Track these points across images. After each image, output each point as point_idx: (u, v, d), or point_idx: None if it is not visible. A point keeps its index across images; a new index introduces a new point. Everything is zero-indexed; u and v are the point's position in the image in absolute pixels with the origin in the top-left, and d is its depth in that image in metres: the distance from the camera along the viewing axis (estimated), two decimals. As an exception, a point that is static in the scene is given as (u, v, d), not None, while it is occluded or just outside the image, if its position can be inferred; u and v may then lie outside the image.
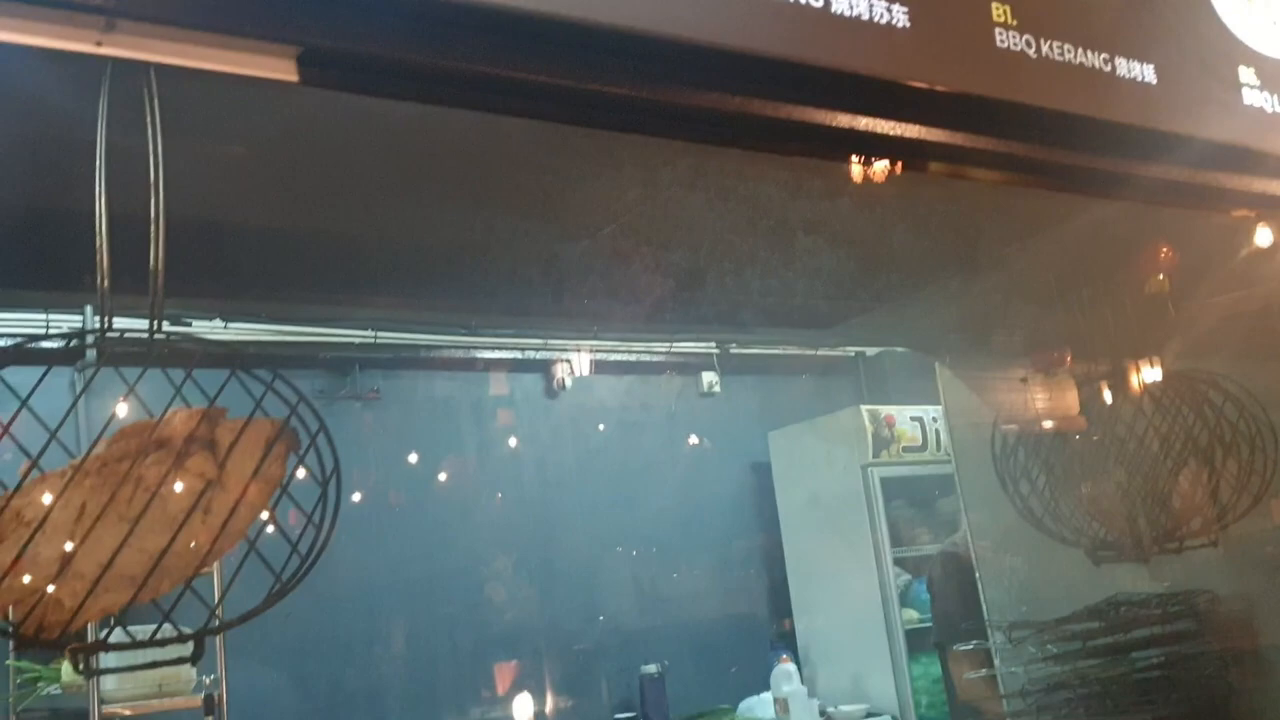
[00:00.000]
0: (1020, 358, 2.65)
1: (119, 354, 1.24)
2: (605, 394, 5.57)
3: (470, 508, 5.09)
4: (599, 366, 5.48)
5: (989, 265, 2.57)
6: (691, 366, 5.79)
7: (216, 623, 1.21)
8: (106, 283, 1.17)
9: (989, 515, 2.95)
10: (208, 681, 3.29)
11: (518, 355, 5.31)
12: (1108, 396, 2.44)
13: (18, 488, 1.12)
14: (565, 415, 5.47)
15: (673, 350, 5.68)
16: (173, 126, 1.24)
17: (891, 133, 1.66)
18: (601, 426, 5.52)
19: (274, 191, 1.93)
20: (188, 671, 3.36)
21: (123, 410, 1.24)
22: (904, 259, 2.35)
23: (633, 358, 5.61)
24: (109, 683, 3.19)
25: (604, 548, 5.42)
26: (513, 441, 5.33)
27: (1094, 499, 2.13)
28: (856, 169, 1.74)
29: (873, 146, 1.70)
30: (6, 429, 1.09)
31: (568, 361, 5.41)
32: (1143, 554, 2.16)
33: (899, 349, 6.22)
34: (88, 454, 1.16)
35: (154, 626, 1.18)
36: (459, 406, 5.22)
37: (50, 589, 1.12)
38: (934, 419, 5.46)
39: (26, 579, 1.09)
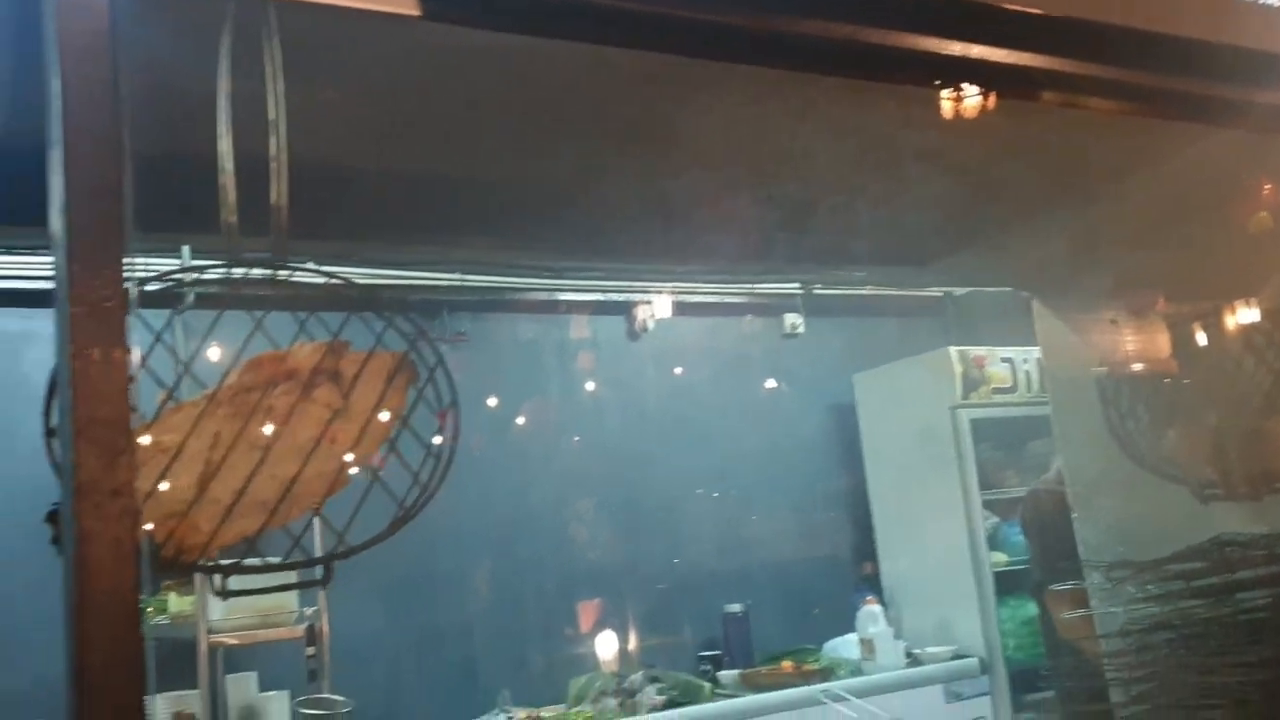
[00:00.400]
0: (1119, 297, 2.59)
1: (218, 295, 1.27)
2: (687, 336, 5.57)
3: (554, 449, 5.15)
4: (681, 309, 5.48)
5: (1093, 200, 2.51)
6: (774, 308, 5.76)
7: (343, 548, 1.24)
8: (234, 218, 1.20)
9: (1086, 455, 2.91)
10: (309, 613, 3.40)
11: (600, 298, 5.32)
12: (1213, 335, 2.39)
13: (155, 417, 1.16)
14: (647, 357, 5.49)
15: (755, 292, 5.66)
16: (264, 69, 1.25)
17: (1002, 60, 1.62)
18: (683, 369, 5.53)
19: (368, 133, 1.95)
20: (290, 603, 3.47)
21: (215, 354, 1.27)
22: (1007, 193, 2.30)
23: (715, 300, 5.60)
24: (215, 613, 3.32)
25: (686, 489, 5.46)
26: (595, 384, 5.37)
27: (1201, 437, 2.08)
28: (959, 100, 1.71)
29: (981, 75, 1.67)
30: (144, 361, 1.13)
31: (649, 303, 5.41)
32: (1254, 493, 2.12)
33: (988, 289, 6.11)
34: (220, 385, 1.20)
35: (285, 551, 1.22)
36: (543, 349, 5.26)
37: (188, 515, 1.16)
38: (1025, 360, 5.38)
39: (166, 505, 1.13)
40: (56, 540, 1.15)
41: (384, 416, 1.24)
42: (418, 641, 4.64)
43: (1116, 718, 2.42)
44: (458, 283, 4.91)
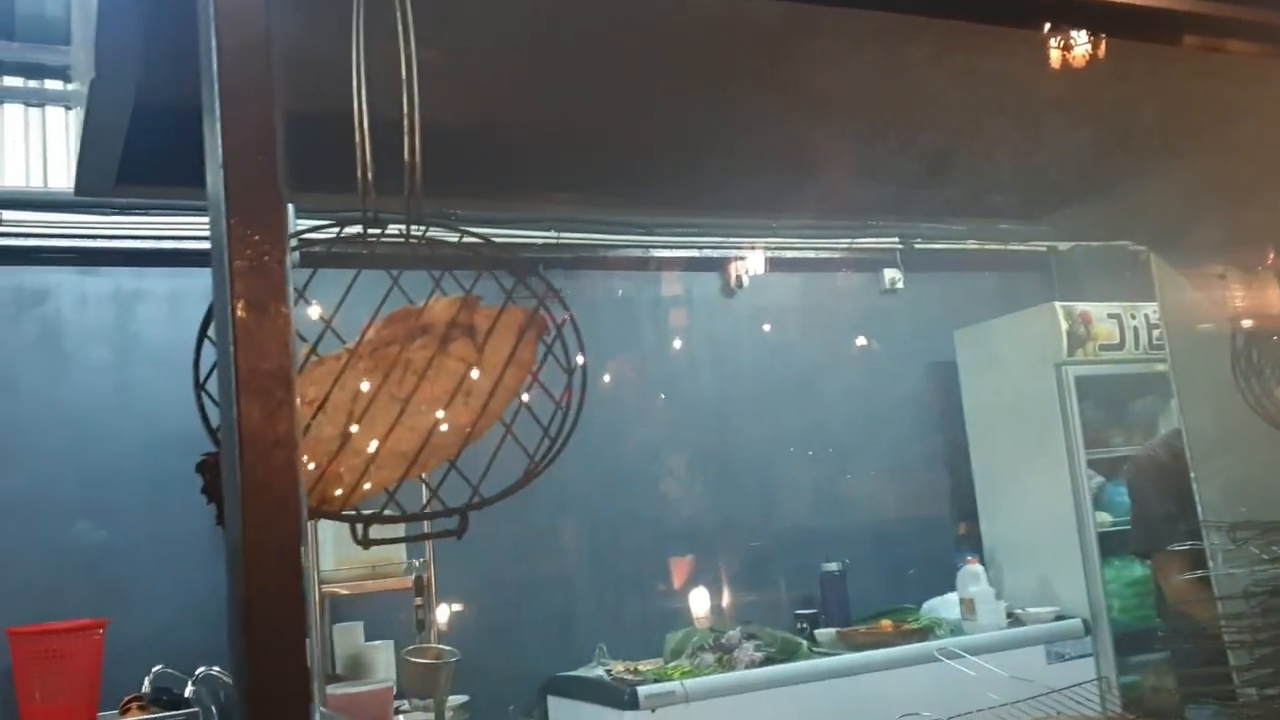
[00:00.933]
0: (1229, 250, 2.50)
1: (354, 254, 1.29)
2: (783, 292, 5.54)
3: (648, 406, 5.17)
4: (776, 264, 5.45)
5: (1217, 150, 2.41)
6: (872, 263, 5.69)
7: (478, 499, 1.26)
8: (370, 174, 1.21)
9: (1208, 413, 2.82)
10: (417, 564, 3.47)
11: (694, 254, 5.31)
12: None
13: (299, 371, 1.18)
14: (742, 313, 5.47)
15: (853, 246, 5.59)
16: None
17: (1139, 3, 1.56)
18: (779, 325, 5.49)
19: (476, 90, 1.95)
20: (399, 554, 3.55)
21: (354, 310, 1.29)
22: (1129, 142, 2.23)
23: (811, 254, 5.54)
24: (327, 563, 3.41)
25: (782, 447, 5.44)
26: (690, 340, 5.37)
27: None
28: (1077, 46, 1.65)
29: (1114, 19, 1.61)
30: (327, 319, 1.15)
31: (744, 259, 5.38)
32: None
33: (1094, 243, 5.96)
34: (361, 339, 1.22)
35: (424, 502, 1.24)
36: (637, 306, 5.27)
37: (331, 465, 1.19)
38: (1132, 316, 5.23)
39: (311, 456, 1.15)
40: (207, 489, 1.18)
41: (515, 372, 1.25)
42: (517, 595, 4.72)
43: (1236, 682, 2.36)
44: (552, 240, 4.93)
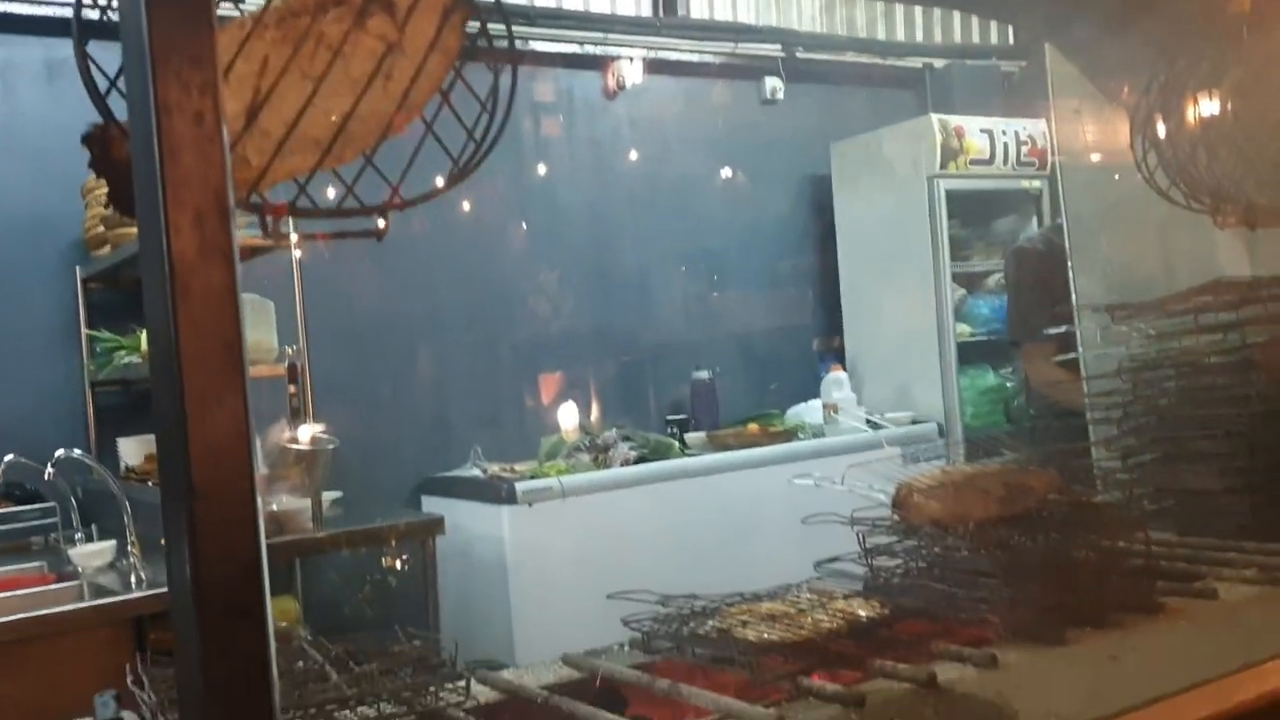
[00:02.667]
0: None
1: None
2: (664, 98, 5.41)
3: (526, 209, 5.04)
4: (658, 67, 5.30)
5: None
6: (754, 71, 5.59)
7: (398, 199, 1.17)
8: None
9: (1090, 201, 2.89)
10: (290, 351, 3.35)
11: (575, 49, 5.10)
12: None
13: (197, 37, 1.05)
14: (622, 118, 5.33)
15: (736, 52, 5.47)
16: None
17: None
18: (658, 132, 5.39)
19: None
20: (269, 341, 3.41)
21: None
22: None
23: (694, 58, 5.41)
24: (196, 349, 3.25)
25: (657, 258, 5.42)
26: (569, 144, 5.22)
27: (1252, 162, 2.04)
28: None
29: None
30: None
31: (626, 60, 5.21)
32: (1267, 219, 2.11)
33: (966, 61, 5.99)
34: (267, 5, 1.09)
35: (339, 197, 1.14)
36: (516, 102, 5.06)
37: (236, 146, 1.07)
38: (1004, 132, 5.31)
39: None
40: (95, 164, 1.06)
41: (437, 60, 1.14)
42: (393, 394, 4.64)
43: (1106, 453, 2.47)
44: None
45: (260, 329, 3.36)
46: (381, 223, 1.14)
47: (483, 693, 1.63)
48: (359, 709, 1.37)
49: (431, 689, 1.36)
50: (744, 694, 1.49)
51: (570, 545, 4.10)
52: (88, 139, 1.04)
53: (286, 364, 3.31)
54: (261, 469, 3.35)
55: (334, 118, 1.11)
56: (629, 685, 1.60)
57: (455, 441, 4.77)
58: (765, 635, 1.53)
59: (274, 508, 3.44)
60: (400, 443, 4.67)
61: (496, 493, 4.13)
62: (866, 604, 1.63)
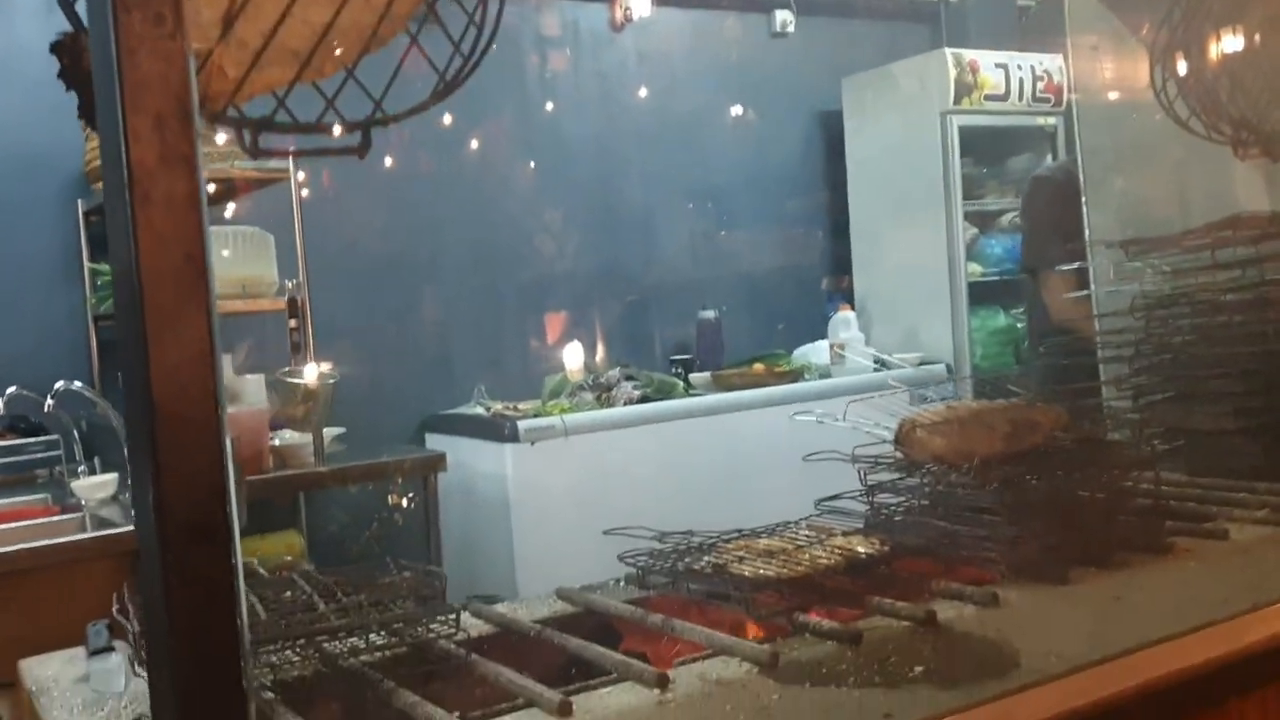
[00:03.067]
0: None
1: None
2: (672, 30, 5.30)
3: (527, 147, 4.97)
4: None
5: None
6: (764, 3, 5.47)
7: (381, 114, 1.12)
8: None
9: (1105, 136, 2.82)
10: (290, 285, 3.31)
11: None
12: None
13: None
14: (629, 51, 5.23)
15: (747, -18, 5.36)
16: None
17: None
18: (666, 66, 5.29)
19: None
20: (269, 274, 3.37)
21: None
22: None
23: (703, -10, 5.30)
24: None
25: (665, 195, 5.35)
26: (575, 79, 5.13)
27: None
28: None
29: None
30: None
31: (632, -8, 5.09)
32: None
33: (984, -6, 5.86)
34: (241, -94, 1.03)
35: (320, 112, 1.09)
36: (522, 36, 4.97)
37: (212, 56, 1.03)
38: (1019, 67, 5.20)
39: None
40: (65, 74, 1.01)
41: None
42: (397, 332, 4.61)
43: (1116, 392, 2.43)
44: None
45: (260, 262, 3.32)
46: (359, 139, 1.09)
47: (476, 626, 1.61)
48: (348, 640, 1.35)
49: (422, 621, 1.34)
50: (739, 630, 1.47)
51: (572, 483, 4.08)
52: (56, 47, 0.99)
53: (287, 298, 3.27)
54: (261, 402, 3.33)
55: (314, 28, 1.06)
56: (622, 620, 1.58)
57: (459, 379, 4.75)
58: (761, 571, 1.50)
59: (276, 442, 3.42)
60: (404, 380, 4.64)
61: (499, 431, 4.11)
62: (866, 541, 1.60)
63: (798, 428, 2.57)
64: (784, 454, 2.75)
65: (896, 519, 1.74)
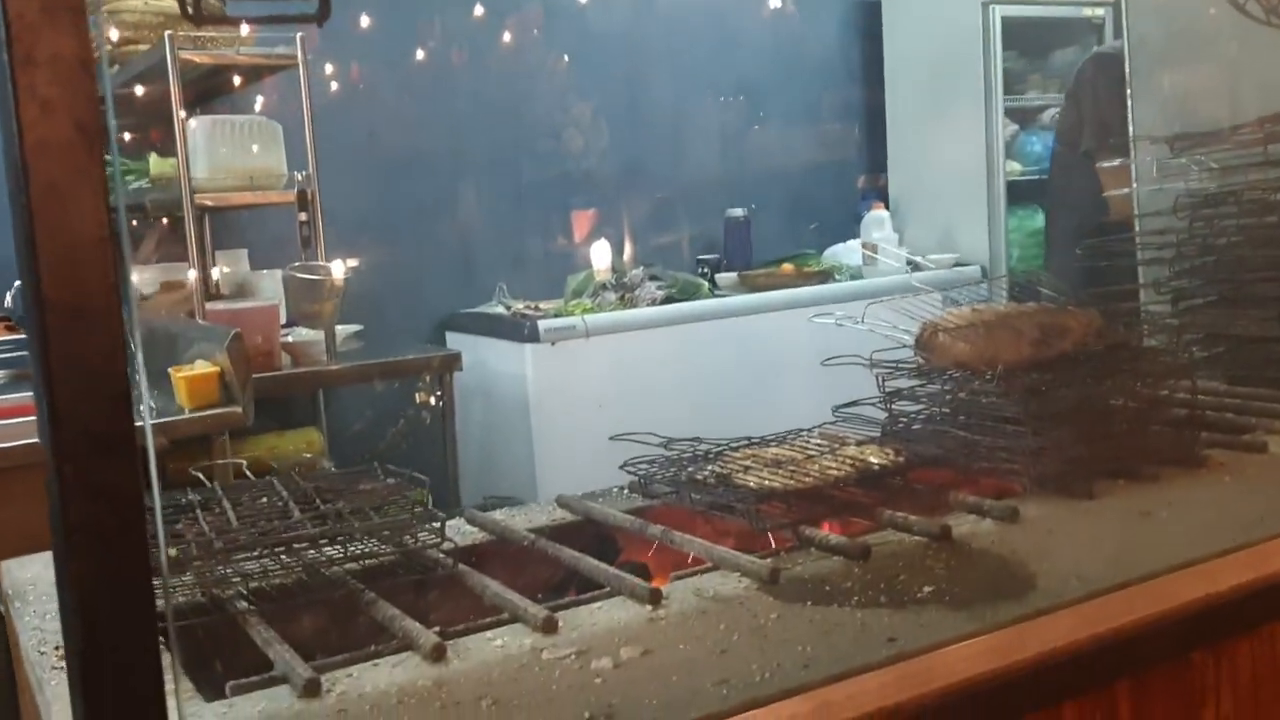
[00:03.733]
0: None
1: None
2: (702, -86, 5.06)
3: (552, 39, 4.79)
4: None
5: None
6: (800, -116, 5.21)
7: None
8: None
9: (1155, 25, 2.65)
10: (300, 177, 3.21)
11: None
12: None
13: None
14: (657, -63, 5.00)
15: None
16: None
17: None
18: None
19: None
20: (278, 166, 3.27)
21: None
22: None
23: None
24: (199, 171, 3.12)
25: (694, 90, 5.16)
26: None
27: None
28: None
29: None
30: None
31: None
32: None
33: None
34: None
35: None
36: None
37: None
38: (1068, -49, 4.94)
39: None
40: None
41: None
42: (414, 229, 4.51)
43: (1156, 295, 2.31)
44: None
45: (268, 153, 3.21)
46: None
47: (470, 534, 1.55)
48: (328, 549, 1.29)
49: (404, 529, 1.27)
50: (742, 543, 1.40)
51: (593, 385, 4.01)
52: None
53: (296, 190, 3.17)
54: (274, 298, 3.27)
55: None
56: (622, 530, 1.51)
57: (480, 278, 4.65)
58: (767, 482, 1.42)
59: (289, 339, 3.36)
60: (424, 278, 4.56)
61: (519, 330, 4.03)
62: (880, 451, 1.51)
63: (822, 331, 2.47)
64: (808, 357, 2.65)
65: (914, 428, 1.64)
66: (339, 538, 1.25)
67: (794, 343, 4.13)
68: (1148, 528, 1.36)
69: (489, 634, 1.15)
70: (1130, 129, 2.69)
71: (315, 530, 1.23)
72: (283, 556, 1.23)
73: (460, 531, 1.56)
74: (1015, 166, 5.10)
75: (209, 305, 3.11)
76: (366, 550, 1.26)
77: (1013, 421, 1.51)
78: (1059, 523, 1.39)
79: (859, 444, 1.58)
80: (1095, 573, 1.19)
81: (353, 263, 4.20)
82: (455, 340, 4.45)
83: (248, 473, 1.61)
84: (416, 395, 3.85)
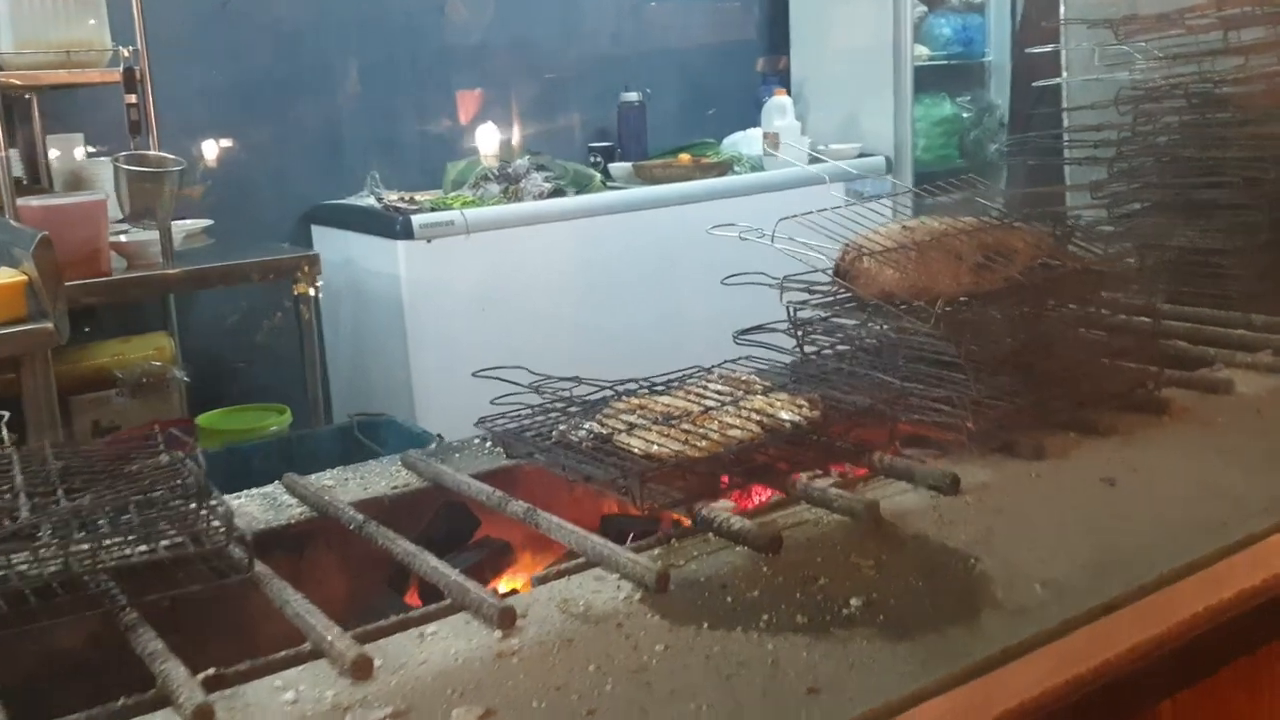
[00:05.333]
0: None
1: None
2: None
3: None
4: None
5: None
6: None
7: None
8: None
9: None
10: (126, 54, 2.76)
11: None
12: None
13: None
14: None
15: None
16: None
17: None
18: None
19: None
20: (99, 39, 2.81)
21: None
22: None
23: None
24: (3, 45, 2.66)
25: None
26: None
27: None
28: None
29: None
30: None
31: None
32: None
33: None
34: None
35: None
36: None
37: None
38: None
39: None
40: None
41: None
42: (274, 110, 4.04)
43: (1094, 197, 2.07)
44: None
45: (86, 23, 2.75)
46: None
47: (290, 508, 1.25)
48: (89, 550, 0.97)
49: (164, 525, 0.96)
50: (625, 524, 1.12)
51: (475, 287, 3.68)
52: None
53: (122, 68, 2.73)
54: (100, 193, 2.84)
55: None
56: (478, 503, 1.22)
57: (350, 165, 4.23)
58: (655, 447, 1.14)
59: (122, 239, 2.95)
60: (287, 165, 4.11)
61: (391, 226, 3.65)
62: (791, 403, 1.24)
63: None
64: (707, 259, 2.35)
65: (833, 371, 1.38)
66: (86, 541, 0.93)
67: (693, 241, 3.84)
68: (1115, 503, 1.12)
69: (279, 679, 0.86)
70: (1061, 9, 2.43)
71: (32, 537, 0.91)
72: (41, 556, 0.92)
73: (276, 504, 1.25)
74: (923, 50, 4.83)
75: (21, 201, 2.67)
76: (122, 556, 0.95)
77: (950, 365, 1.25)
78: (1008, 496, 1.14)
79: (766, 392, 1.31)
80: (1062, 575, 0.95)
81: (206, 149, 3.78)
82: (322, 235, 4.05)
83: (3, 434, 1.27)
84: (279, 298, 3.47)
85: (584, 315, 3.88)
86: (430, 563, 1.02)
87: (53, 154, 3.37)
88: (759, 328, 1.61)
